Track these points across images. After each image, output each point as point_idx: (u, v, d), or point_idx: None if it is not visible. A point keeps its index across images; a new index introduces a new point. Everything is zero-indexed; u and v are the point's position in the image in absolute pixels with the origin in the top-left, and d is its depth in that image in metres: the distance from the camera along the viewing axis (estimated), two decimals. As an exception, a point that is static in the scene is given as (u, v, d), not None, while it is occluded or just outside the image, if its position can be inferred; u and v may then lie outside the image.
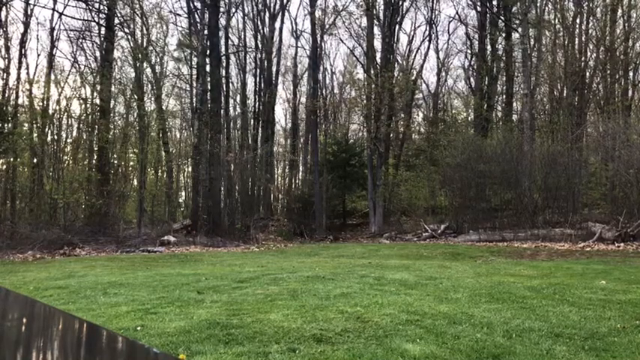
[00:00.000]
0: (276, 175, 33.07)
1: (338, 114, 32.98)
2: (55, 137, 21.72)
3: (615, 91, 22.67)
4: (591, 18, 23.65)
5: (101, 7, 20.65)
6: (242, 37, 29.31)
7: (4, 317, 1.24)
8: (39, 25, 30.59)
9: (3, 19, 18.65)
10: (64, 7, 30.92)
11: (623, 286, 6.14)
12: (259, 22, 29.09)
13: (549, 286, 6.20)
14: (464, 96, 31.41)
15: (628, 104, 22.09)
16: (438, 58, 30.85)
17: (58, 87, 21.86)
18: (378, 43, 24.76)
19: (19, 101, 19.24)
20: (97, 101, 20.79)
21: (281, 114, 46.60)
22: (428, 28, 29.73)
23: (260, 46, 28.86)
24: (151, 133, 24.11)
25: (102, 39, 21.09)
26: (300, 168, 32.84)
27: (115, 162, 22.08)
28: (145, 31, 25.12)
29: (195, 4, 22.37)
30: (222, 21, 23.95)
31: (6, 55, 18.91)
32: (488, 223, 18.11)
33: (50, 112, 20.88)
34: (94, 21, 21.12)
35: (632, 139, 15.98)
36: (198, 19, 22.44)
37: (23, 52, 19.55)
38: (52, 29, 20.64)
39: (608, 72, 22.61)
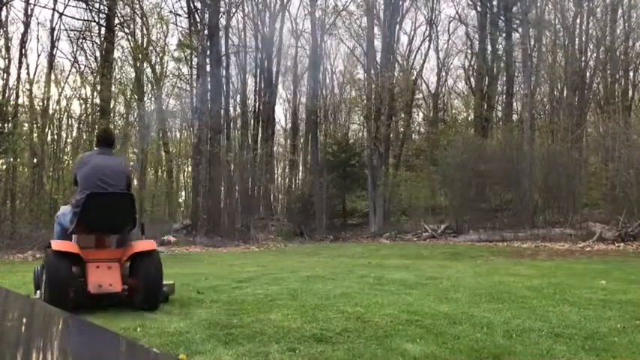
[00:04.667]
0: (276, 175, 33.05)
1: (338, 114, 32.94)
2: (55, 137, 21.74)
3: (615, 91, 22.65)
4: (591, 18, 23.65)
5: (101, 7, 20.62)
6: (242, 37, 29.29)
7: (4, 317, 1.24)
8: (39, 25, 30.46)
9: (3, 19, 18.65)
10: (65, 7, 30.78)
11: (623, 286, 6.13)
12: (259, 22, 29.08)
13: (549, 285, 6.19)
14: (464, 96, 31.39)
15: (628, 104, 22.08)
16: (438, 58, 30.81)
17: (58, 87, 21.86)
18: (378, 43, 24.76)
19: (19, 101, 19.23)
20: (97, 101, 20.77)
21: (281, 114, 46.50)
22: (428, 28, 29.53)
23: (260, 46, 28.85)
24: (151, 133, 24.11)
25: (102, 39, 21.05)
26: (300, 168, 32.82)
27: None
28: (145, 31, 25.11)
29: (196, 4, 22.37)
30: (222, 21, 23.95)
31: (6, 55, 18.90)
32: (488, 223, 18.11)
33: (50, 112, 20.89)
34: (94, 21, 21.10)
35: (632, 139, 15.97)
36: (198, 19, 22.44)
37: (23, 52, 19.54)
38: (53, 29, 20.63)
39: (608, 72, 22.61)
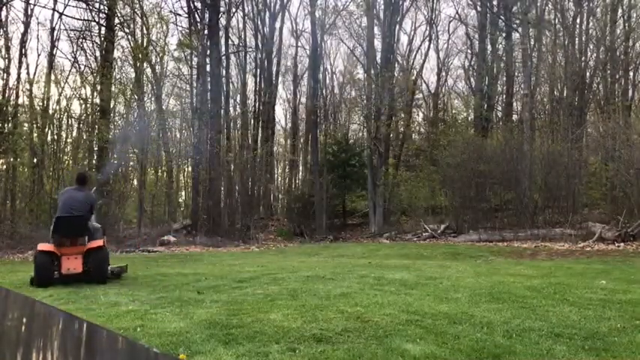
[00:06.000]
0: (276, 175, 33.06)
1: (338, 114, 32.92)
2: (55, 137, 21.71)
3: (615, 91, 22.65)
4: (591, 18, 23.64)
5: (101, 7, 20.63)
6: (242, 37, 29.30)
7: (4, 317, 1.24)
8: (39, 25, 30.67)
9: (3, 19, 18.65)
10: (64, 7, 30.80)
11: (623, 286, 6.13)
12: (259, 22, 29.08)
13: (549, 285, 6.19)
14: (464, 96, 31.38)
15: (628, 104, 22.06)
16: (438, 58, 30.84)
17: (58, 87, 21.82)
18: (378, 43, 24.76)
19: (19, 101, 19.23)
20: (97, 101, 20.77)
21: (281, 114, 46.52)
22: (428, 28, 29.59)
23: (260, 46, 28.85)
24: (151, 133, 24.09)
25: (102, 39, 21.04)
26: (300, 168, 32.82)
27: (115, 162, 22.06)
28: (145, 31, 25.10)
29: (196, 4, 22.37)
30: (223, 21, 23.94)
31: (6, 55, 18.90)
32: (488, 223, 18.11)
33: (50, 112, 20.87)
34: (94, 21, 21.09)
35: (632, 139, 15.97)
36: (198, 19, 22.44)
37: (23, 52, 19.56)
38: (53, 29, 20.64)
39: (608, 72, 22.60)
